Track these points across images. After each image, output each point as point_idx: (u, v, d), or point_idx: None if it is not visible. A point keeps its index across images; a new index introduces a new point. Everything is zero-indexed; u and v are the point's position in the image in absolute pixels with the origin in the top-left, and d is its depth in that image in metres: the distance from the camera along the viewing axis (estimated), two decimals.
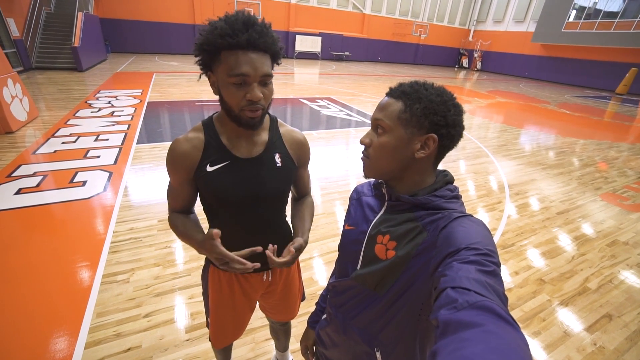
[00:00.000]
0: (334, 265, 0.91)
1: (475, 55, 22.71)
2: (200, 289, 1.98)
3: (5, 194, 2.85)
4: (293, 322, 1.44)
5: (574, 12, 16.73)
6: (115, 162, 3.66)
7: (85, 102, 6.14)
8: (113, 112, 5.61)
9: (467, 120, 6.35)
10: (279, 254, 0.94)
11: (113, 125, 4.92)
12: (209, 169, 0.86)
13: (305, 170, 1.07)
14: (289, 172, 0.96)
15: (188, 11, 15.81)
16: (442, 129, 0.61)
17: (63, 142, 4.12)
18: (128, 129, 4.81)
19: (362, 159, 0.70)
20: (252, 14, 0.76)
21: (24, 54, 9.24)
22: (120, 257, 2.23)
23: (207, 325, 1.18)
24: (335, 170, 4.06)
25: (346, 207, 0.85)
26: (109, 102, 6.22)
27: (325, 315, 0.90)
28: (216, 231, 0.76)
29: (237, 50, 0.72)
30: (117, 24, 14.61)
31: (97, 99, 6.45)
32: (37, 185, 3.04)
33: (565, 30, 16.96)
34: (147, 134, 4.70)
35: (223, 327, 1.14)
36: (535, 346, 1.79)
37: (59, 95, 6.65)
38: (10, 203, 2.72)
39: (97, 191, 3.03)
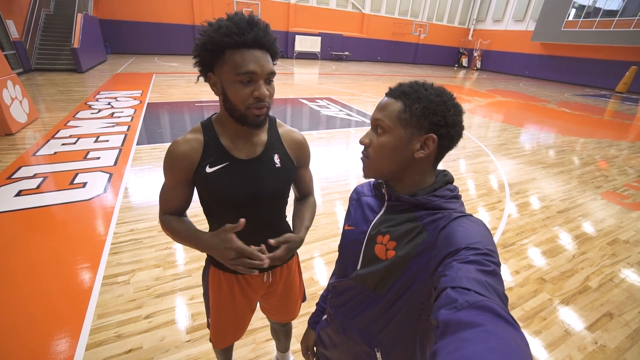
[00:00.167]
0: (334, 266, 0.91)
1: (475, 54, 22.70)
2: (200, 290, 1.98)
3: (5, 196, 2.85)
4: (294, 322, 1.44)
5: (573, 11, 16.73)
6: (115, 164, 3.66)
7: (85, 103, 6.14)
8: (113, 113, 5.61)
9: (467, 119, 6.35)
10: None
11: (113, 126, 4.92)
12: (208, 170, 0.86)
13: (306, 171, 1.07)
14: (288, 173, 0.97)
15: (187, 12, 15.82)
16: (442, 129, 0.61)
17: (63, 144, 4.12)
18: (128, 130, 4.81)
19: (361, 159, 0.70)
20: (253, 14, 0.77)
21: (24, 55, 9.25)
22: (120, 258, 2.23)
23: (208, 326, 1.18)
24: (336, 170, 4.06)
25: (346, 207, 0.85)
26: (109, 104, 6.23)
27: (325, 316, 0.90)
28: (242, 220, 0.78)
29: (242, 48, 0.73)
30: (117, 25, 14.62)
31: (97, 100, 6.45)
32: (38, 187, 3.04)
33: (564, 29, 16.96)
34: (147, 135, 4.70)
35: (224, 328, 1.14)
36: (536, 345, 1.79)
37: (59, 96, 6.66)
38: (10, 205, 2.72)
39: (98, 192, 3.03)
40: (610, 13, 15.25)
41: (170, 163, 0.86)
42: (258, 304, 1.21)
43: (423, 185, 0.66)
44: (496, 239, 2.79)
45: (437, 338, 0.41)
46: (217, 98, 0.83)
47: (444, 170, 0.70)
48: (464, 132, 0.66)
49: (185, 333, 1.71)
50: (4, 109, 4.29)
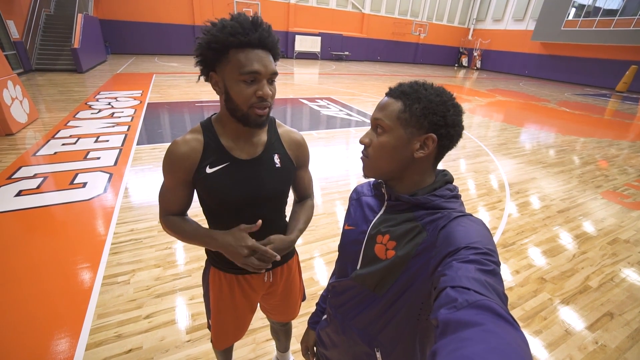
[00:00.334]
0: (334, 266, 0.91)
1: (475, 54, 22.70)
2: (200, 290, 1.98)
3: (5, 196, 2.85)
4: (294, 322, 1.45)
5: (573, 10, 16.72)
6: (115, 164, 3.66)
7: (85, 103, 6.14)
8: (113, 113, 5.61)
9: (467, 119, 6.35)
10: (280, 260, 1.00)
11: (113, 126, 4.92)
12: (208, 170, 0.86)
13: (305, 172, 1.07)
14: (288, 173, 0.97)
15: (187, 12, 15.82)
16: (442, 129, 0.61)
17: (63, 144, 4.12)
18: (128, 130, 4.81)
19: (361, 158, 0.70)
20: (257, 14, 0.78)
21: (24, 55, 9.25)
22: (120, 258, 2.23)
23: (208, 327, 1.18)
24: (336, 170, 4.06)
25: (346, 207, 0.85)
26: (109, 104, 6.23)
27: (325, 316, 0.90)
28: (259, 222, 0.84)
29: (246, 48, 0.74)
30: (117, 25, 14.63)
31: (97, 100, 6.45)
32: (38, 187, 3.04)
33: (564, 29, 16.95)
34: (147, 135, 4.70)
35: (224, 328, 1.14)
36: (536, 345, 1.79)
37: (59, 96, 6.66)
38: (10, 205, 2.73)
39: (98, 192, 3.03)
40: (610, 12, 15.24)
41: (170, 164, 0.86)
42: (258, 304, 1.21)
43: (423, 185, 0.66)
44: (496, 238, 2.79)
45: (436, 337, 0.41)
46: (217, 98, 0.83)
47: (444, 170, 0.70)
48: (464, 131, 0.66)
49: (185, 333, 1.71)
50: (5, 109, 4.30)
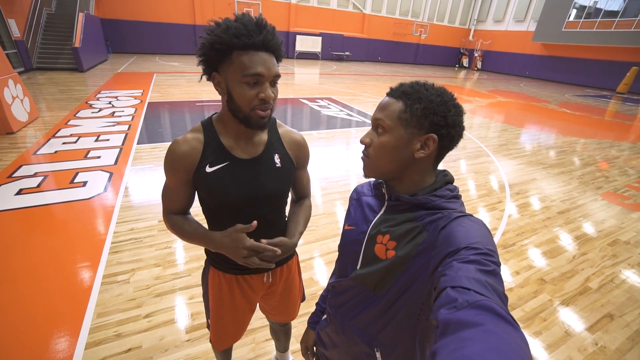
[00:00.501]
0: (334, 266, 0.91)
1: (476, 54, 22.69)
2: (200, 290, 1.98)
3: (6, 195, 2.85)
4: (293, 322, 1.44)
5: (574, 12, 16.71)
6: (115, 163, 3.66)
7: (86, 102, 6.15)
8: (114, 112, 5.61)
9: (467, 119, 6.35)
10: (281, 260, 1.03)
11: (113, 125, 4.93)
12: (208, 169, 0.86)
13: (304, 172, 1.07)
14: (288, 173, 0.97)
15: (188, 12, 15.83)
16: (442, 129, 0.61)
17: (64, 143, 4.12)
18: (128, 129, 4.82)
19: (362, 158, 0.70)
20: (260, 15, 0.78)
21: (25, 54, 9.26)
22: (120, 257, 2.23)
23: (208, 327, 1.18)
24: (336, 170, 4.06)
25: (346, 207, 0.85)
26: (110, 103, 6.23)
27: (325, 316, 0.90)
28: (254, 223, 0.81)
29: (249, 50, 0.74)
30: (118, 25, 14.64)
31: (98, 99, 6.46)
32: (38, 186, 3.04)
33: (565, 30, 16.94)
34: (148, 135, 4.70)
35: (224, 328, 1.14)
36: (536, 346, 1.79)
37: (60, 95, 6.67)
38: (11, 203, 2.73)
39: (98, 191, 3.04)
40: (611, 14, 15.23)
41: (171, 163, 0.86)
42: (257, 305, 1.21)
43: (423, 185, 0.66)
44: (496, 239, 2.79)
45: (436, 338, 0.41)
46: (218, 97, 0.83)
47: (444, 170, 0.70)
48: (465, 132, 0.66)
49: (184, 332, 1.71)
50: (5, 108, 4.30)
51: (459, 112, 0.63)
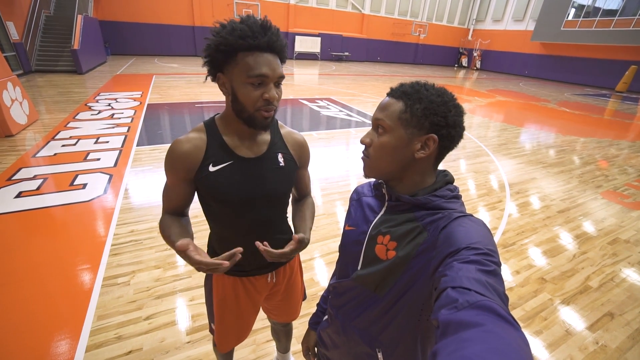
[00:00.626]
0: (334, 266, 0.91)
1: (475, 54, 22.71)
2: (201, 291, 1.99)
3: (5, 198, 2.85)
4: (294, 323, 1.44)
5: (573, 11, 16.73)
6: (115, 165, 3.66)
7: (85, 104, 6.15)
8: (113, 114, 5.61)
9: (467, 119, 6.34)
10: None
11: (113, 127, 4.93)
12: (211, 169, 0.86)
13: (305, 172, 1.08)
14: (291, 172, 0.97)
15: (187, 13, 15.83)
16: (443, 129, 0.61)
17: (63, 145, 4.12)
18: (128, 131, 4.81)
19: (362, 158, 0.70)
20: (266, 17, 0.78)
21: (24, 57, 9.26)
22: (120, 259, 2.23)
23: (211, 331, 1.17)
24: (336, 170, 4.06)
25: (347, 207, 0.85)
26: (109, 105, 6.23)
27: (326, 316, 0.90)
28: (184, 242, 0.71)
29: (254, 51, 0.74)
30: (117, 26, 14.64)
31: (97, 101, 6.46)
32: (38, 188, 3.04)
33: (564, 29, 16.96)
34: (147, 136, 4.70)
35: (228, 331, 1.13)
36: (537, 345, 1.79)
37: (59, 98, 6.66)
38: (10, 206, 2.72)
39: (98, 194, 3.03)
40: (610, 12, 15.25)
41: (172, 161, 0.86)
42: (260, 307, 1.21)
43: (423, 186, 0.66)
44: (496, 238, 2.79)
45: (437, 338, 0.41)
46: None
47: (444, 170, 0.70)
48: (464, 132, 0.66)
49: (185, 334, 1.71)
50: (4, 111, 4.30)
51: (459, 112, 0.63)
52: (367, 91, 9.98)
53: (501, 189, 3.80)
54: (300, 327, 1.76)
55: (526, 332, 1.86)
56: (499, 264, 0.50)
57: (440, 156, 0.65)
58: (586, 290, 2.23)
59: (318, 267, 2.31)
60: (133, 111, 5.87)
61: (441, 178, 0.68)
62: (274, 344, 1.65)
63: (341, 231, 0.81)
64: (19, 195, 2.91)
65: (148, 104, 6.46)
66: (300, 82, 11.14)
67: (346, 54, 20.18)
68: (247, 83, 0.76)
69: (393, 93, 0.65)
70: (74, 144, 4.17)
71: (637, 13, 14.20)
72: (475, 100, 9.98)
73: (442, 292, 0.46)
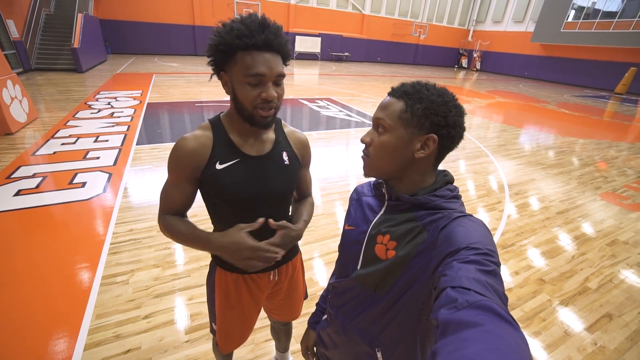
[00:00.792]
0: (334, 266, 0.91)
1: (475, 55, 22.74)
2: (200, 290, 1.99)
3: (4, 196, 2.84)
4: (294, 322, 1.44)
5: (572, 12, 16.76)
6: (114, 163, 3.66)
7: (85, 103, 6.14)
8: (113, 113, 5.61)
9: (466, 120, 6.34)
10: (285, 258, 1.07)
11: (113, 126, 4.92)
12: (218, 166, 0.86)
13: (307, 172, 1.09)
14: (295, 171, 0.98)
15: (188, 12, 15.82)
16: (443, 129, 0.61)
17: (62, 144, 4.12)
18: (128, 130, 4.81)
19: (362, 157, 0.70)
20: (264, 15, 0.78)
21: (24, 55, 9.25)
22: (119, 258, 2.23)
23: (212, 332, 1.17)
24: (335, 170, 4.06)
25: (346, 207, 0.86)
26: (109, 103, 6.23)
27: (325, 316, 0.90)
28: (260, 220, 0.85)
29: (253, 50, 0.75)
30: (117, 25, 14.63)
31: (97, 100, 6.45)
32: (37, 187, 3.03)
33: (564, 30, 16.99)
34: (147, 135, 4.70)
35: (231, 330, 1.13)
36: (535, 346, 1.79)
37: (59, 96, 6.65)
38: (9, 204, 2.72)
39: (97, 192, 3.03)
40: (610, 14, 15.29)
41: (177, 159, 0.85)
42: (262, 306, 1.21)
43: (423, 185, 0.66)
44: (496, 239, 2.79)
45: (437, 338, 0.41)
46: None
47: (444, 170, 0.70)
48: (464, 132, 0.66)
49: (184, 333, 1.71)
50: (4, 109, 4.29)
51: (459, 112, 0.63)
52: (366, 91, 9.99)
53: (500, 189, 3.81)
54: (299, 326, 1.76)
55: (525, 333, 1.86)
56: (498, 264, 0.50)
57: (440, 156, 0.65)
58: (585, 291, 2.23)
59: (317, 266, 2.31)
60: (133, 110, 5.86)
61: (441, 178, 0.68)
62: (272, 343, 1.65)
63: (340, 231, 0.81)
64: (18, 193, 2.90)
65: (148, 103, 6.46)
66: (300, 82, 11.14)
67: (346, 54, 20.19)
68: (245, 82, 0.77)
69: (394, 92, 0.65)
70: (74, 143, 4.17)
71: (636, 15, 14.24)
72: (475, 101, 9.99)
73: (441, 291, 0.46)
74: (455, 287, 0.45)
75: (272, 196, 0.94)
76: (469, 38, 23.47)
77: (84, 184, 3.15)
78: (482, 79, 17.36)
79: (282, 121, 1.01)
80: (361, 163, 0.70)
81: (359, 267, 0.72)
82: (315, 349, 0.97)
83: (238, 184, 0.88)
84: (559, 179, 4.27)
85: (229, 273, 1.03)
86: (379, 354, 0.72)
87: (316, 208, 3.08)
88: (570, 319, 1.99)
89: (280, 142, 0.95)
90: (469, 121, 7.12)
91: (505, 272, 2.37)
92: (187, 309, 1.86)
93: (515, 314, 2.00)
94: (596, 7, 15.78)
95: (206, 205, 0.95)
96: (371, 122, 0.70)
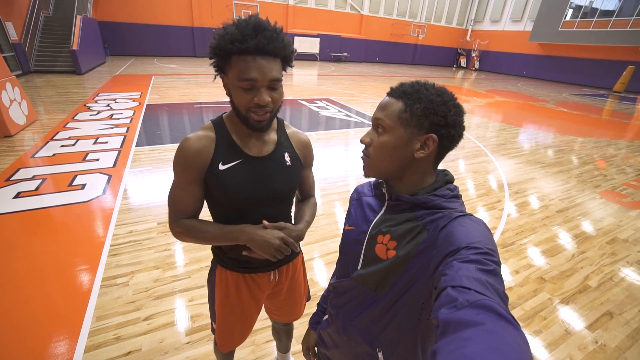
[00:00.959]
0: (334, 266, 0.91)
1: (473, 54, 22.77)
2: (200, 292, 1.99)
3: (4, 198, 2.84)
4: (295, 323, 1.44)
5: (570, 11, 16.79)
6: (114, 165, 3.66)
7: (84, 105, 6.14)
8: (112, 114, 5.61)
9: (465, 119, 6.38)
10: (285, 259, 1.08)
11: (112, 128, 4.92)
12: (221, 167, 0.86)
13: (309, 172, 1.09)
14: (297, 172, 0.99)
15: (186, 14, 15.83)
16: (442, 129, 0.61)
17: (62, 146, 4.11)
18: (127, 131, 4.81)
19: (362, 158, 0.70)
20: (266, 18, 0.78)
21: (23, 57, 9.24)
22: (119, 260, 2.22)
23: (212, 331, 1.17)
24: (335, 171, 4.06)
25: (346, 207, 0.86)
26: (108, 105, 6.22)
27: (326, 316, 0.90)
28: (265, 223, 0.89)
29: (246, 55, 0.74)
30: (116, 27, 14.62)
31: (96, 102, 6.45)
32: (36, 189, 3.03)
33: (562, 29, 17.02)
34: (146, 137, 4.70)
35: (230, 329, 1.13)
36: (536, 345, 1.79)
37: (58, 98, 6.65)
38: (9, 207, 2.72)
39: (97, 194, 3.03)
40: (607, 13, 15.31)
41: (183, 161, 0.85)
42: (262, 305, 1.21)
43: (423, 185, 0.66)
44: (496, 238, 2.79)
45: (437, 337, 0.41)
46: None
47: (444, 170, 0.70)
48: (464, 132, 0.66)
49: (184, 335, 1.71)
50: (3, 111, 4.29)
51: (459, 112, 0.63)
52: (365, 91, 10.00)
53: (500, 188, 3.81)
54: (300, 327, 1.76)
55: (526, 332, 1.86)
56: (498, 264, 0.50)
57: (440, 156, 0.65)
58: (585, 289, 2.23)
59: (318, 267, 2.31)
60: (132, 112, 5.86)
61: (441, 177, 0.68)
62: (273, 344, 1.65)
63: (340, 231, 0.81)
64: (17, 195, 2.90)
65: (147, 105, 6.46)
66: (299, 82, 11.14)
67: (345, 54, 20.20)
68: (239, 86, 0.77)
69: (393, 93, 0.65)
70: (73, 145, 4.16)
71: (634, 14, 14.26)
72: (474, 101, 10.00)
73: (442, 291, 0.46)
74: (455, 286, 0.45)
75: (274, 197, 0.94)
76: (468, 38, 23.50)
77: (83, 186, 3.15)
78: (481, 79, 17.38)
79: (285, 122, 1.01)
80: (361, 163, 0.71)
81: (359, 267, 0.72)
82: (316, 349, 0.97)
83: (240, 185, 0.88)
84: (558, 177, 4.28)
85: (230, 272, 1.04)
86: (379, 354, 0.72)
87: (317, 208, 3.08)
88: (571, 317, 1.99)
89: (282, 143, 0.95)
90: (468, 120, 7.12)
91: (505, 271, 2.37)
92: (187, 310, 1.86)
93: (516, 312, 2.00)
94: (594, 5, 15.81)
95: (207, 204, 0.96)
96: (370, 122, 0.70)
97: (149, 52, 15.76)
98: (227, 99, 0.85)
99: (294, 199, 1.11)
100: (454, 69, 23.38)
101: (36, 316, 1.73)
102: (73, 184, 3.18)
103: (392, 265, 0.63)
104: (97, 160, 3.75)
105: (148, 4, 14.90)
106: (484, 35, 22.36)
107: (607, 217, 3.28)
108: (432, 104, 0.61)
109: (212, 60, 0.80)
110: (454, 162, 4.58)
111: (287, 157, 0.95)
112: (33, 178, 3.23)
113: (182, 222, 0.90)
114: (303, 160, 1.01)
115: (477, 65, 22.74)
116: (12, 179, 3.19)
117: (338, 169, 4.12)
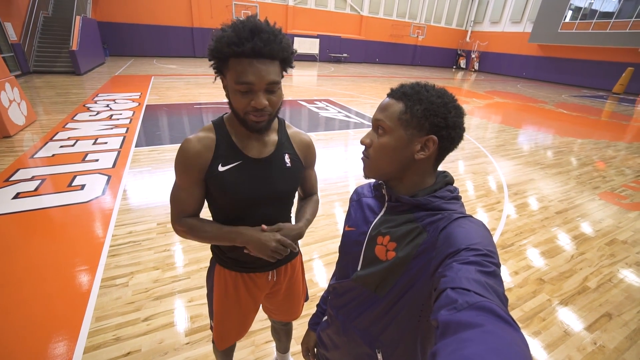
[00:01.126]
0: (334, 267, 0.91)
1: (473, 56, 22.81)
2: (199, 292, 1.98)
3: (3, 199, 2.83)
4: (294, 323, 1.44)
5: (570, 13, 16.84)
6: (113, 166, 3.65)
7: (84, 105, 6.13)
8: (111, 115, 5.60)
9: (465, 120, 6.41)
10: (284, 259, 1.08)
11: (111, 128, 4.92)
12: (221, 168, 0.87)
13: (311, 171, 1.10)
14: (297, 173, 0.98)
15: (186, 14, 15.84)
16: (442, 130, 0.61)
17: (61, 146, 4.11)
18: (126, 132, 4.81)
19: (362, 159, 0.70)
20: (265, 19, 0.78)
21: (22, 58, 9.24)
22: (119, 260, 2.22)
23: (211, 328, 1.18)
24: (335, 172, 4.06)
25: (345, 208, 0.86)
26: (108, 106, 6.22)
27: (326, 317, 0.90)
28: (263, 227, 0.90)
29: (243, 58, 0.74)
30: (115, 28, 14.63)
31: (96, 102, 6.45)
32: (36, 190, 3.03)
33: (561, 31, 17.07)
34: (146, 137, 4.70)
35: (227, 326, 1.14)
36: (535, 346, 1.79)
37: (57, 99, 6.65)
38: (8, 207, 2.71)
39: (96, 195, 3.03)
40: (607, 15, 15.36)
41: (184, 162, 0.86)
42: (260, 305, 1.21)
43: (423, 186, 0.66)
44: (495, 239, 2.80)
45: (437, 338, 0.41)
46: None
47: (444, 172, 0.70)
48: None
49: (184, 335, 1.70)
50: (2, 112, 4.28)
51: (459, 113, 0.63)
52: (365, 92, 10.01)
53: (499, 190, 3.82)
54: (300, 327, 1.75)
55: (525, 333, 1.86)
56: (498, 265, 0.50)
57: (440, 157, 0.66)
58: (584, 290, 2.24)
59: (317, 268, 2.31)
60: (131, 112, 5.86)
61: (441, 179, 0.68)
62: (273, 344, 1.65)
63: (340, 232, 0.82)
64: (16, 196, 2.90)
65: (146, 105, 6.46)
66: (298, 83, 11.15)
67: (345, 55, 20.23)
68: (236, 89, 0.77)
69: (393, 94, 0.65)
70: (72, 145, 4.16)
71: (633, 15, 14.31)
72: (474, 102, 10.02)
73: (441, 292, 0.46)
74: (455, 288, 0.45)
75: (274, 198, 0.95)
76: (467, 39, 23.55)
77: (82, 187, 3.14)
78: (481, 80, 17.41)
79: (286, 122, 1.00)
80: (360, 164, 0.71)
81: (359, 268, 0.72)
82: (315, 350, 0.97)
83: (238, 186, 0.88)
84: (557, 178, 4.29)
85: (228, 271, 1.04)
86: (379, 355, 0.72)
87: (319, 205, 3.08)
88: (570, 318, 1.99)
89: (282, 144, 0.95)
90: (468, 122, 7.13)
91: (504, 272, 2.37)
92: (187, 311, 1.86)
93: (515, 314, 2.00)
94: (593, 7, 15.86)
95: (208, 204, 0.96)
96: (370, 123, 0.70)
97: (148, 52, 15.76)
98: (227, 99, 0.86)
99: (297, 197, 1.12)
100: (453, 70, 23.42)
101: (35, 317, 1.73)
102: (72, 184, 3.18)
103: (392, 266, 0.64)
104: (97, 160, 3.75)
105: (147, 4, 14.91)
106: (484, 37, 22.41)
107: (606, 218, 3.28)
108: (432, 106, 0.61)
109: (211, 62, 0.80)
110: (453, 163, 4.58)
111: (287, 158, 0.95)
112: (32, 179, 3.22)
113: (184, 221, 0.91)
114: (304, 160, 1.01)
115: (476, 67, 22.79)
116: (11, 179, 3.19)
117: (338, 170, 4.12)
